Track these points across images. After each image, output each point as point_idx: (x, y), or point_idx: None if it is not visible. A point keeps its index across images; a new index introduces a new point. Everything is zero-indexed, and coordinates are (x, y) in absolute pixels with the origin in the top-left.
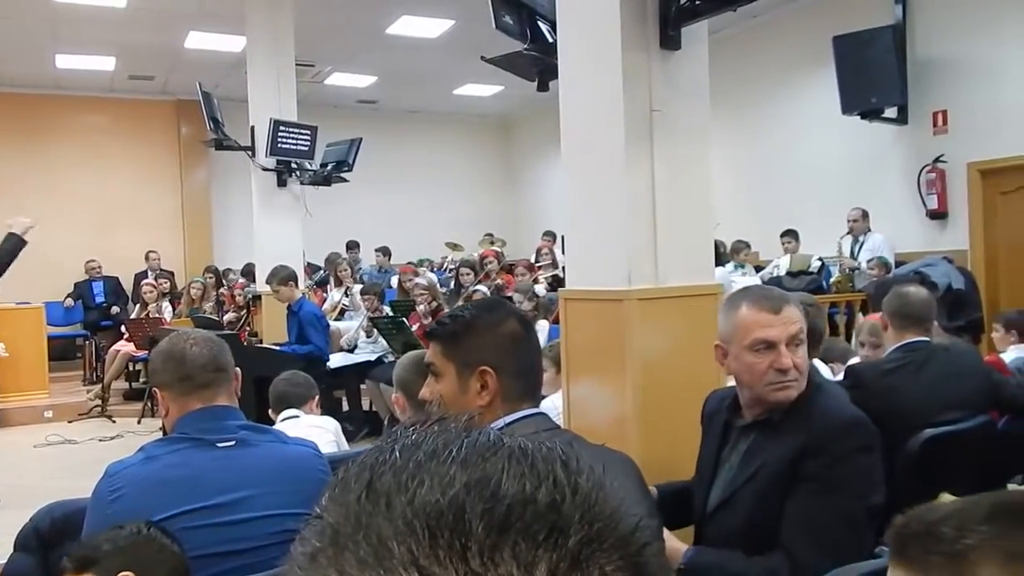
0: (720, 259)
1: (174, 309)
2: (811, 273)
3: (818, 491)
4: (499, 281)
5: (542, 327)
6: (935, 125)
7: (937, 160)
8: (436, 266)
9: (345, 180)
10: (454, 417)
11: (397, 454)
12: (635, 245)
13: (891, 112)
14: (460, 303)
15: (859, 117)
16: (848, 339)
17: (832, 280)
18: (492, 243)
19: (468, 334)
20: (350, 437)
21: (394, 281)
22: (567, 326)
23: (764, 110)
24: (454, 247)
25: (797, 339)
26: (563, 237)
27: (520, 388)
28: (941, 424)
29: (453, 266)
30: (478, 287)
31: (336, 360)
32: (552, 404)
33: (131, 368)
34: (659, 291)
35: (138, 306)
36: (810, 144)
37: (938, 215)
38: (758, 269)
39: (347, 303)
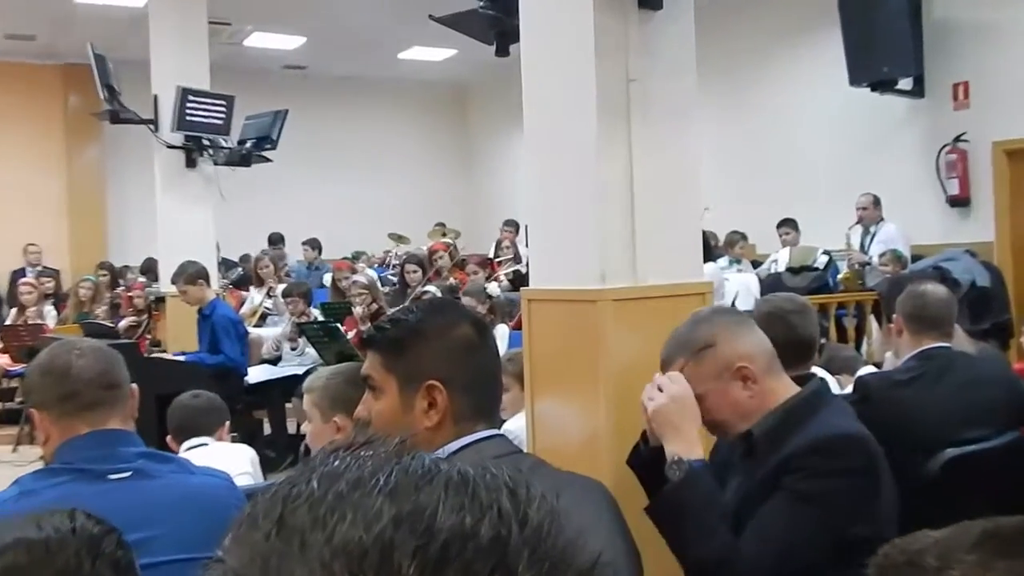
0: (710, 253)
1: (59, 313)
2: (815, 269)
3: (783, 499)
4: (452, 280)
5: (501, 333)
6: (955, 99)
7: (958, 139)
8: (377, 262)
9: (268, 160)
10: (383, 440)
11: (315, 484)
12: (610, 238)
13: (905, 84)
14: (405, 305)
15: (869, 89)
16: (858, 346)
17: (839, 277)
18: (444, 235)
19: (413, 341)
20: (272, 467)
21: (326, 279)
22: (531, 332)
23: (759, 81)
24: (399, 239)
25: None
26: (527, 228)
27: (475, 406)
28: (963, 443)
29: (397, 262)
30: (427, 287)
31: (256, 374)
32: (515, 427)
33: (4, 385)
34: (638, 291)
35: (14, 310)
36: (813, 121)
37: (959, 202)
38: (755, 264)
39: (270, 306)
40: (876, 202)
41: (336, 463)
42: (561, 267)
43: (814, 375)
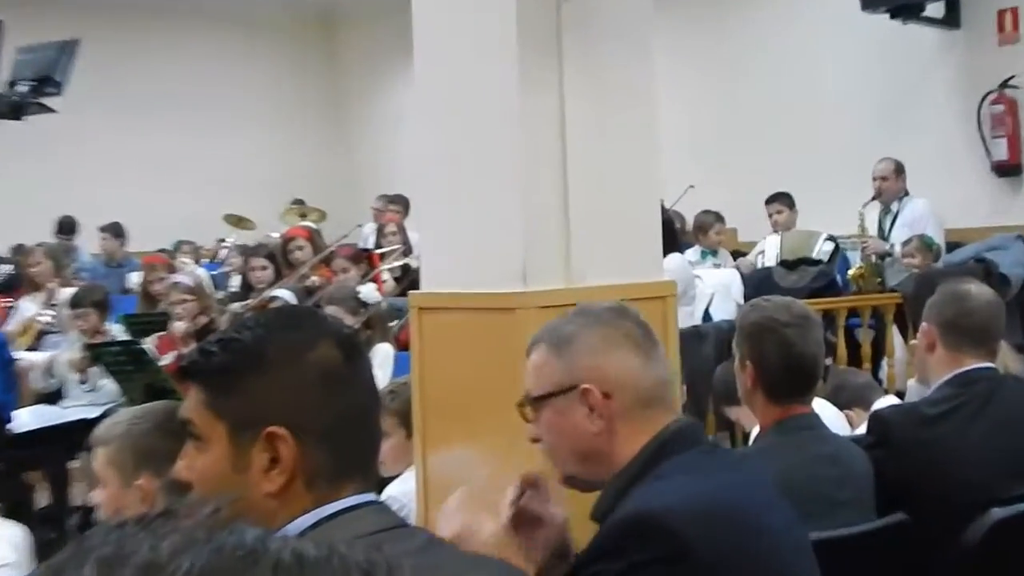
0: (675, 242)
1: None
2: (817, 262)
3: None
4: (314, 279)
5: (382, 355)
6: (1001, 30)
7: (1005, 84)
8: (208, 255)
9: (50, 110)
10: (192, 508)
11: (86, 574)
12: (534, 222)
13: (935, 10)
14: (242, 317)
15: (887, 17)
16: (876, 368)
17: (850, 273)
18: (303, 216)
19: (248, 370)
20: (52, 552)
21: (133, 281)
22: (421, 354)
23: (744, 8)
24: (238, 223)
25: (523, 397)
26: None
27: (339, 461)
28: (1014, 500)
29: (237, 255)
30: (277, 291)
31: (27, 419)
32: (399, 490)
33: None
34: (573, 294)
35: None
36: (815, 60)
37: (1008, 169)
38: (737, 256)
39: (50, 320)
40: (898, 170)
41: (121, 542)
42: (465, 263)
43: (679, 421)
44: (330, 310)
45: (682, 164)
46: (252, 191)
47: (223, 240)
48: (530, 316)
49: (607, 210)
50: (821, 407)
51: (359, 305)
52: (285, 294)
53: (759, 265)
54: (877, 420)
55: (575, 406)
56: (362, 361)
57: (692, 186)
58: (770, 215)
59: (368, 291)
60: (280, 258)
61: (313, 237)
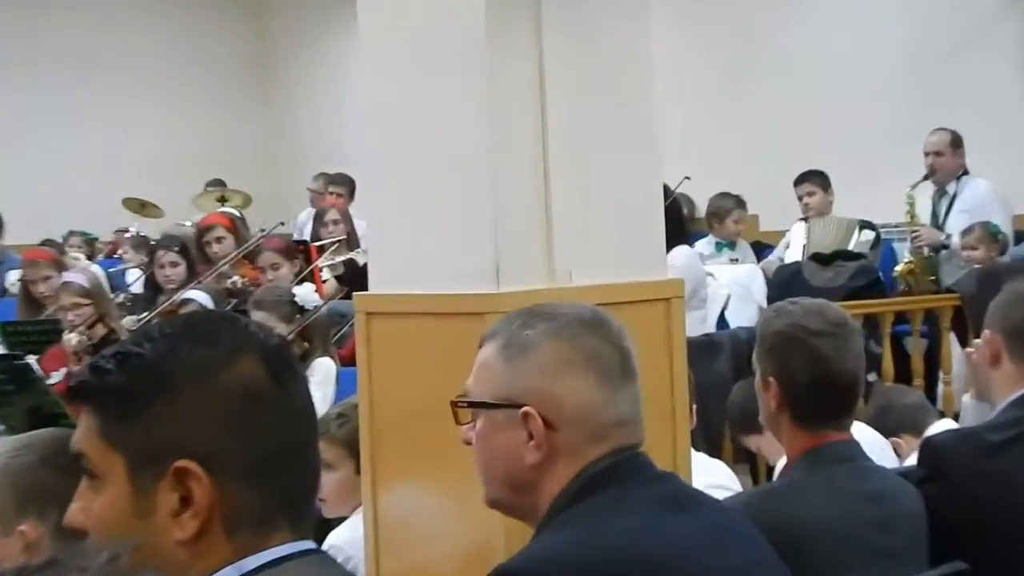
0: (683, 231)
1: None
2: (858, 256)
3: None
4: (236, 278)
5: (323, 372)
6: None
7: None
8: (106, 249)
9: None
10: (84, 557)
11: None
12: (509, 209)
13: None
14: (144, 325)
15: None
16: (930, 386)
17: (897, 269)
18: (222, 201)
19: (151, 393)
20: None
21: (10, 281)
22: (371, 369)
23: None
24: (142, 209)
25: (459, 395)
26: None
27: (266, 502)
28: None
29: (141, 249)
30: (191, 292)
31: None
32: (343, 538)
33: None
34: (556, 296)
35: None
36: (852, 13)
37: None
38: (760, 250)
39: None
40: (955, 143)
41: None
42: (423, 258)
43: (618, 453)
44: (258, 316)
45: (691, 140)
46: (159, 171)
47: (124, 230)
48: None
49: (597, 194)
50: (862, 433)
51: (294, 310)
52: (200, 296)
53: (784, 259)
54: (930, 449)
55: (514, 427)
56: (294, 380)
57: (688, 178)
58: (800, 198)
59: (305, 293)
60: (194, 252)
61: (235, 226)
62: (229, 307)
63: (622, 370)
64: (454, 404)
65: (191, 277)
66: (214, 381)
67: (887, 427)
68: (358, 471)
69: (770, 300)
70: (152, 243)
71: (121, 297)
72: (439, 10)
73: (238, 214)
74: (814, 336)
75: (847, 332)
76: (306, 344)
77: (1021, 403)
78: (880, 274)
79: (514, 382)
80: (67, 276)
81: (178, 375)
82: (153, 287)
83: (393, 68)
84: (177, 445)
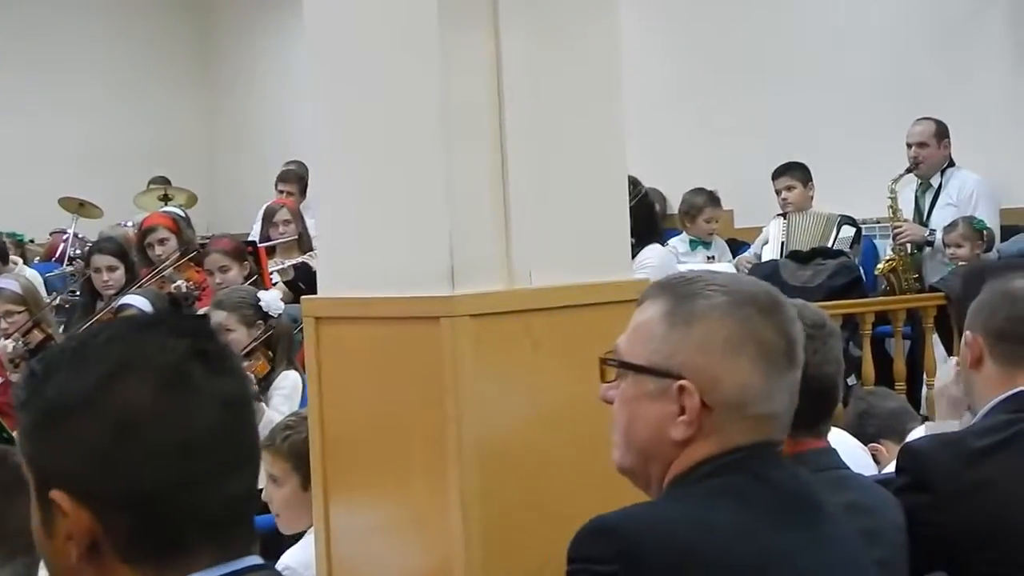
0: (655, 228)
1: None
2: (839, 254)
3: None
4: (180, 282)
5: (289, 385)
6: None
7: None
8: (43, 252)
9: None
10: None
11: None
12: (464, 204)
13: None
14: (61, 340)
15: None
16: (913, 390)
17: (879, 267)
18: (165, 199)
19: (35, 418)
20: None
21: None
22: (320, 377)
23: None
24: (79, 209)
25: (609, 352)
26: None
27: (170, 529)
28: None
29: (77, 251)
30: (131, 298)
31: None
32: (299, 559)
33: None
34: (516, 298)
35: None
36: (830, 3)
37: None
38: (735, 246)
39: None
40: (940, 133)
41: None
42: (375, 259)
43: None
44: (219, 317)
45: (655, 126)
46: (97, 168)
47: (61, 231)
48: (459, 327)
49: (559, 188)
50: (840, 439)
51: (257, 315)
52: (138, 302)
53: (763, 257)
54: (910, 456)
55: (664, 398)
56: (195, 396)
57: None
58: (778, 192)
59: (271, 299)
60: (135, 255)
61: (179, 226)
62: (172, 312)
63: (788, 360)
64: (603, 360)
65: (131, 282)
66: (86, 407)
67: (866, 433)
68: (305, 486)
69: None
70: (89, 246)
71: (58, 299)
72: (388, 13)
73: (182, 213)
74: None
75: (825, 334)
76: (271, 354)
77: (1006, 406)
78: (862, 272)
79: (674, 351)
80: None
81: (54, 401)
82: (90, 292)
83: (336, 50)
84: (52, 473)
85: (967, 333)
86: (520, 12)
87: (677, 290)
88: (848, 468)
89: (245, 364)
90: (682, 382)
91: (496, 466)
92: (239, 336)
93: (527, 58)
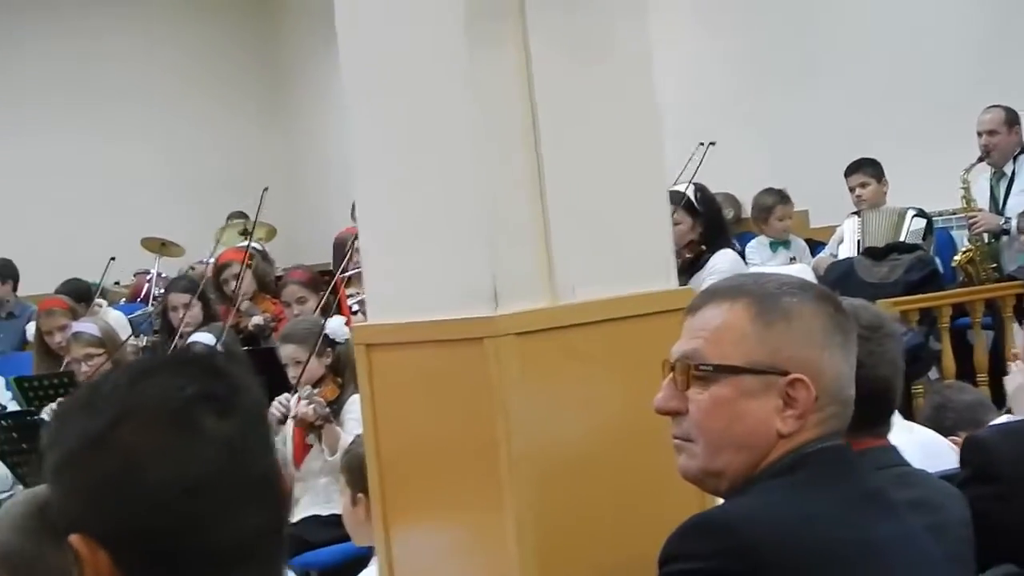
0: (723, 233)
1: None
2: (913, 248)
3: None
4: (257, 316)
5: (356, 409)
6: None
7: None
8: (130, 293)
9: None
10: None
11: None
12: (503, 224)
13: None
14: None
15: None
16: (993, 380)
17: (956, 259)
18: (245, 234)
19: (52, 465)
20: None
21: (29, 332)
22: (374, 402)
23: None
24: (163, 248)
25: (690, 359)
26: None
27: (184, 565)
28: None
29: (162, 291)
30: (199, 335)
31: None
32: None
33: None
34: (561, 314)
35: None
36: None
37: None
38: (812, 246)
39: None
40: (1011, 120)
41: None
42: (419, 282)
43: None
44: (287, 350)
45: (723, 132)
46: (177, 205)
47: (145, 272)
48: (504, 346)
49: (597, 201)
50: (919, 434)
51: (325, 343)
52: (204, 338)
53: (837, 257)
54: (973, 447)
55: (768, 394)
56: (199, 436)
57: (711, 143)
58: (852, 189)
59: (336, 326)
60: (212, 292)
61: (253, 261)
62: (251, 346)
63: (855, 344)
64: (689, 369)
65: (208, 318)
66: (94, 452)
67: (944, 426)
68: (354, 501)
69: None
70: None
71: (143, 341)
72: (413, 10)
73: (260, 247)
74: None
75: (881, 335)
76: (339, 379)
77: None
78: (940, 265)
79: (778, 347)
80: (76, 326)
81: (66, 446)
82: (169, 331)
83: (372, 82)
84: (71, 518)
85: None
86: (548, 25)
87: (755, 290)
88: (910, 465)
89: (316, 391)
90: (796, 375)
91: (549, 484)
92: (311, 366)
93: (558, 72)
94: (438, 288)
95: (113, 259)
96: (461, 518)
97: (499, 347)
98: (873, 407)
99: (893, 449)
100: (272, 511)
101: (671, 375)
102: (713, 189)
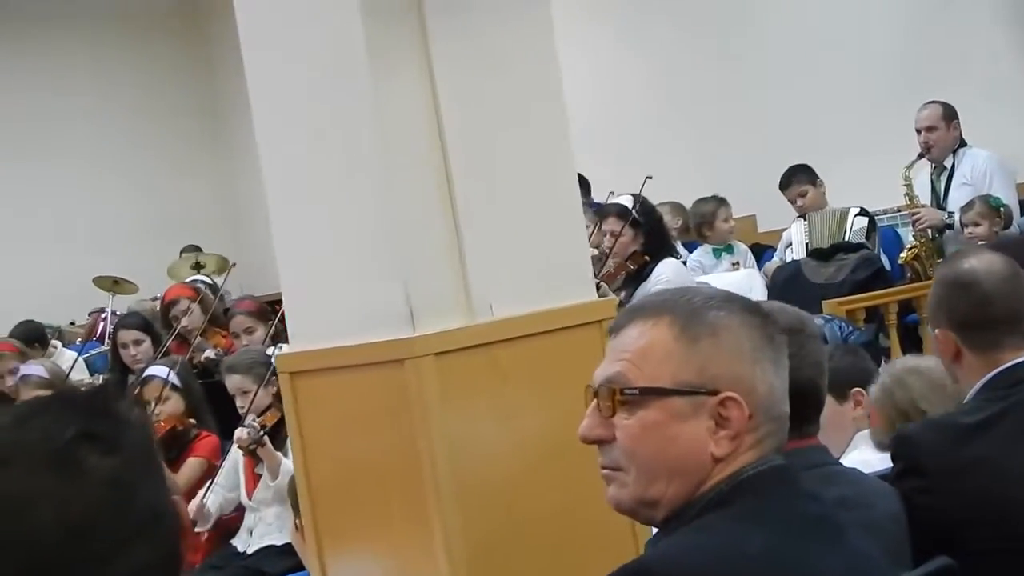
0: (663, 243)
1: None
2: (859, 247)
3: None
4: (209, 350)
5: None
6: None
7: None
8: (85, 332)
9: None
10: None
11: None
12: (416, 244)
13: None
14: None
15: None
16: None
17: (902, 256)
18: (198, 267)
19: None
20: None
21: None
22: (301, 430)
23: None
24: (115, 285)
25: (615, 384)
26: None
27: None
28: None
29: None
30: (151, 368)
31: None
32: None
33: None
34: (480, 332)
35: None
36: None
37: None
38: (760, 251)
39: None
40: (948, 115)
41: None
42: (338, 307)
43: (768, 460)
44: (233, 381)
45: (673, 146)
46: (128, 243)
47: (100, 311)
48: (424, 367)
49: (510, 217)
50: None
51: (272, 373)
52: (161, 371)
53: (786, 259)
54: (901, 442)
55: (699, 415)
56: (80, 478)
57: (649, 177)
58: (792, 201)
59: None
60: (156, 327)
61: (202, 295)
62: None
63: (786, 355)
64: (614, 394)
65: (158, 354)
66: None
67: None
68: (296, 526)
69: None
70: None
71: (98, 380)
72: (314, 35)
73: (209, 281)
74: None
75: (803, 337)
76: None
77: (990, 385)
78: (887, 263)
79: (705, 366)
80: (24, 368)
81: None
82: (121, 368)
83: (282, 113)
84: None
85: (936, 332)
86: (452, 49)
87: (679, 306)
88: (839, 464)
89: (259, 419)
90: (727, 394)
91: (476, 501)
92: (259, 395)
93: (464, 93)
94: (356, 313)
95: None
96: (391, 539)
97: (419, 368)
98: (799, 409)
99: (822, 449)
100: (163, 547)
101: (595, 402)
102: (660, 200)
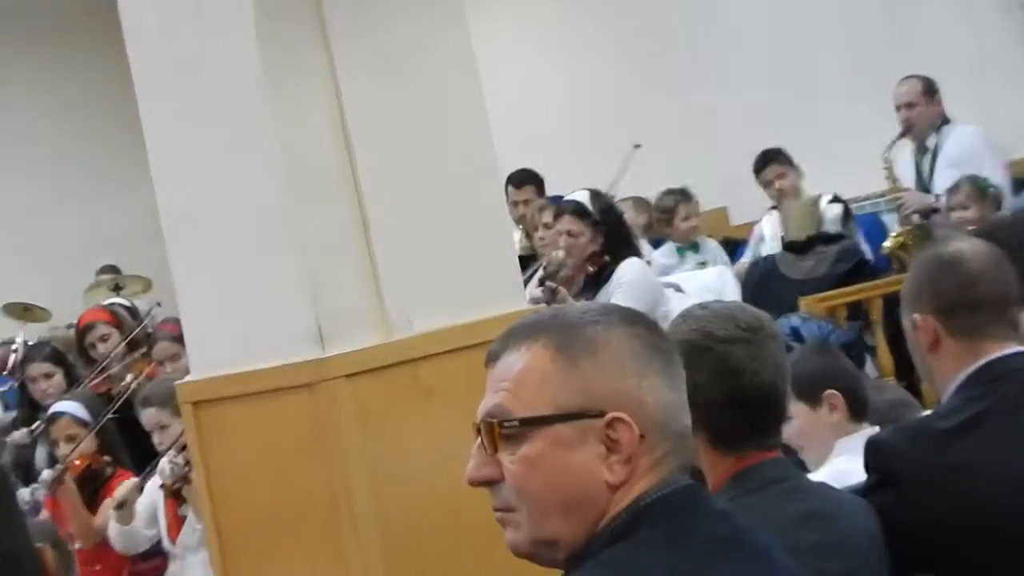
0: (626, 241)
1: None
2: (838, 238)
3: None
4: (129, 379)
5: None
6: None
7: None
8: None
9: None
10: None
11: None
12: (325, 259)
13: None
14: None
15: None
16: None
17: (886, 246)
18: (117, 290)
19: None
20: None
21: None
22: (206, 466)
23: None
24: (26, 313)
25: (494, 417)
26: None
27: None
28: None
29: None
30: (61, 404)
31: None
32: None
33: None
34: (395, 350)
35: None
36: None
37: None
38: (734, 246)
39: None
40: (929, 90)
41: None
42: (243, 331)
43: (670, 485)
44: (148, 414)
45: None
46: (41, 268)
47: (10, 341)
48: (336, 390)
49: (428, 230)
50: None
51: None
52: (70, 408)
53: (760, 254)
54: (873, 451)
55: (586, 441)
56: None
57: (638, 145)
58: (768, 184)
59: None
60: (70, 357)
61: (121, 320)
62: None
63: (680, 368)
64: (493, 429)
65: (72, 386)
66: None
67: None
68: None
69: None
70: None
71: (8, 418)
72: (208, 44)
73: (128, 303)
74: (722, 344)
75: (763, 337)
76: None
77: (970, 382)
78: (865, 251)
79: (586, 386)
80: None
81: None
82: (30, 404)
83: (176, 134)
84: None
85: (914, 317)
86: (356, 52)
87: (554, 325)
88: (807, 478)
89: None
90: (614, 414)
91: (400, 535)
92: (175, 429)
93: (371, 99)
94: (262, 335)
95: None
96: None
97: (331, 391)
98: (759, 416)
99: (785, 462)
100: None
101: (479, 439)
102: (627, 194)
